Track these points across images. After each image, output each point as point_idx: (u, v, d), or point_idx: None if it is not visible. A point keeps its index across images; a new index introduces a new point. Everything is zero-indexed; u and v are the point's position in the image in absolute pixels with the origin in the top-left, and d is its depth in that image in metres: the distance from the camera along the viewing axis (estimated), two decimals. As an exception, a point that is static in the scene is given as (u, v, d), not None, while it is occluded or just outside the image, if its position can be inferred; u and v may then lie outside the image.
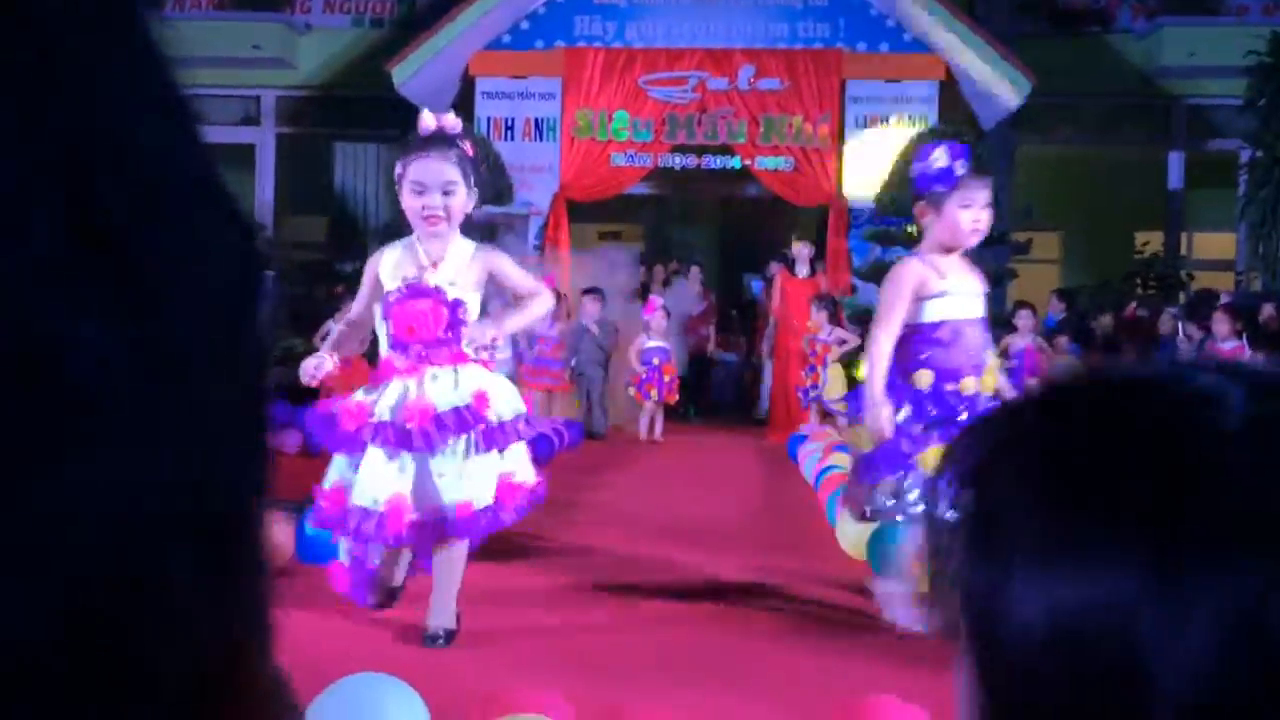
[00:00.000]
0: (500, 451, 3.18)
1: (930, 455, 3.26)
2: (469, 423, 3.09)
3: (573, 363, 9.40)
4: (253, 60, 12.86)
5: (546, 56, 11.67)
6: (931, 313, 3.46)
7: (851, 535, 4.65)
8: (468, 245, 3.32)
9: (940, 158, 3.51)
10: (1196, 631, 0.41)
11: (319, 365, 3.12)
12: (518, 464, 3.26)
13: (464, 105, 11.91)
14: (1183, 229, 13.32)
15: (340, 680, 2.16)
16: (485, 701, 2.07)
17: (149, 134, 0.31)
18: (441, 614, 3.18)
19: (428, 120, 3.28)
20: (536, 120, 11.72)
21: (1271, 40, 10.87)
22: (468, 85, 11.86)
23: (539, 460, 6.98)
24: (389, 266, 3.26)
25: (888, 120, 11.40)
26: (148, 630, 0.26)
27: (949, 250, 3.53)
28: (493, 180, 10.82)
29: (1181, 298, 11.11)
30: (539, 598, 3.61)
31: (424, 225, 3.19)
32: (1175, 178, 13.11)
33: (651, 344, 9.24)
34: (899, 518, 3.42)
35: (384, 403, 3.13)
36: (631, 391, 9.30)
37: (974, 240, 3.54)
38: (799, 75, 11.35)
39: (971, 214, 3.46)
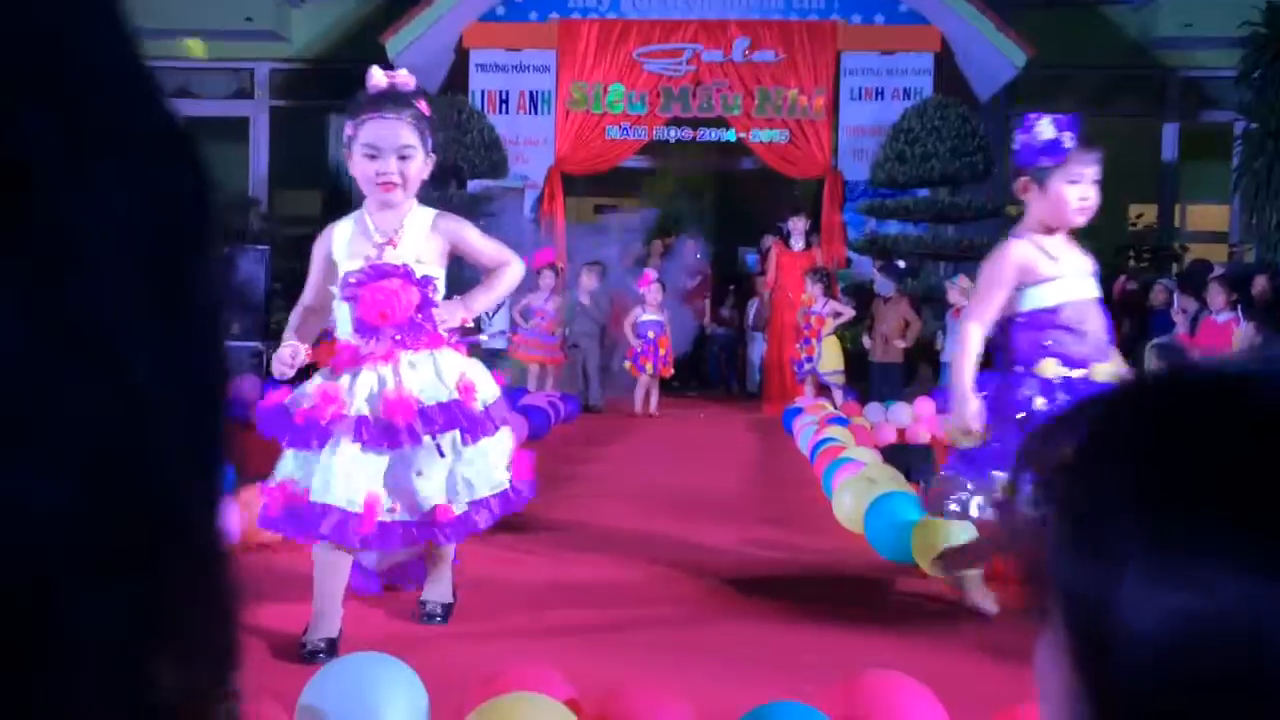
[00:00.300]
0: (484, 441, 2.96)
1: None
2: (457, 418, 2.88)
3: (566, 333, 9.41)
4: (246, 33, 12.77)
5: (541, 29, 11.61)
6: (1045, 297, 3.21)
7: (848, 508, 4.68)
8: (425, 214, 3.04)
9: (1046, 129, 3.24)
10: None
11: (294, 354, 2.88)
12: (500, 463, 3.03)
13: (458, 78, 11.86)
14: (1176, 201, 13.32)
15: (337, 660, 2.18)
16: (483, 680, 2.09)
17: (89, 61, 0.27)
18: (437, 589, 3.12)
19: (377, 77, 3.01)
20: (531, 93, 11.67)
21: (1267, 11, 10.83)
22: (462, 58, 11.80)
23: (535, 434, 7.02)
24: (342, 244, 3.00)
25: (883, 93, 11.36)
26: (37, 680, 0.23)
27: (1051, 230, 3.27)
28: (487, 154, 10.79)
29: (1175, 270, 11.12)
30: (535, 573, 3.64)
31: (377, 192, 2.93)
32: (1170, 149, 13.10)
33: (647, 317, 9.24)
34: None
35: (359, 393, 2.86)
36: (627, 365, 9.32)
37: (1081, 220, 3.26)
38: (794, 47, 11.31)
39: (1079, 190, 3.20)
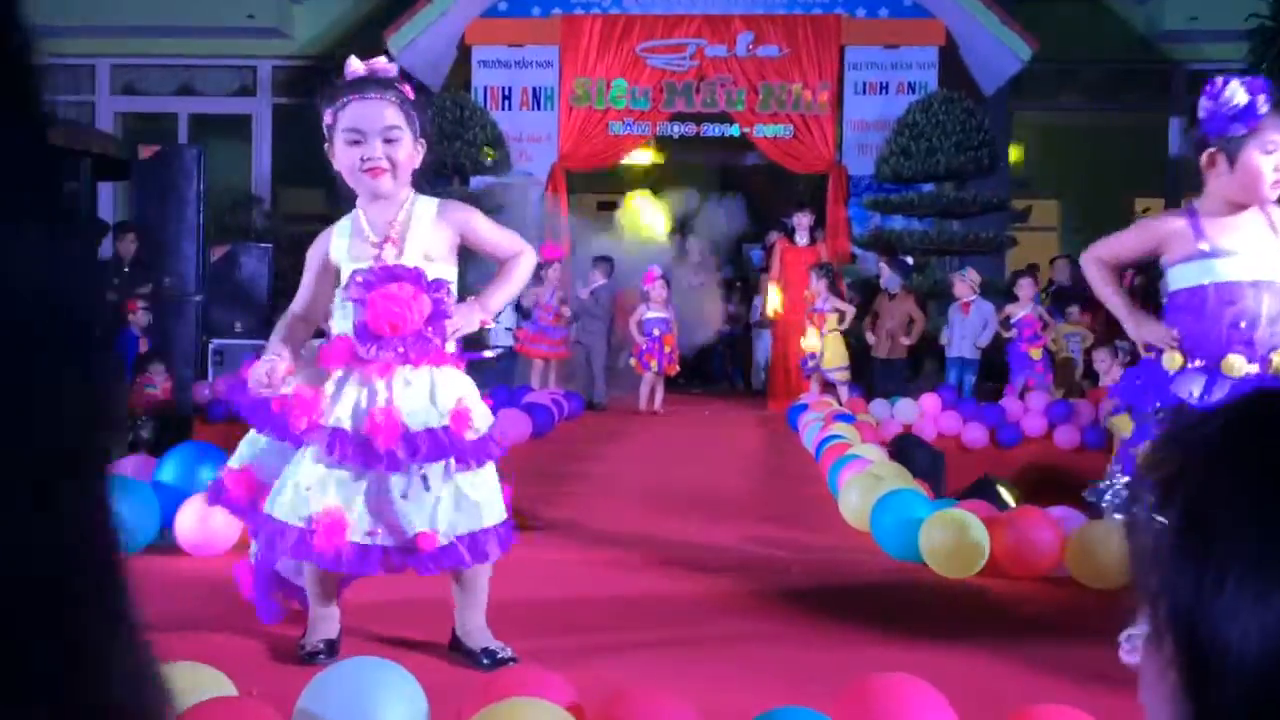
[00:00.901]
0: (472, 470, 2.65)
1: None
2: (445, 448, 2.58)
3: (574, 329, 9.38)
4: (248, 30, 12.75)
5: (544, 24, 11.57)
6: (1181, 278, 2.94)
7: (854, 505, 4.64)
8: (428, 204, 2.74)
9: (1238, 93, 2.89)
10: None
11: (271, 371, 2.59)
12: (494, 498, 2.71)
13: (460, 75, 11.83)
14: (1183, 195, 13.25)
15: (335, 664, 2.15)
16: (483, 685, 2.06)
17: None
18: (474, 620, 2.75)
19: (355, 65, 2.74)
20: (534, 89, 11.64)
21: (1273, 3, 10.75)
22: (464, 54, 11.77)
23: (539, 432, 7.00)
24: (342, 247, 2.74)
25: (887, 87, 11.31)
26: None
27: (1240, 208, 2.97)
28: (490, 149, 10.76)
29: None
30: (537, 572, 3.60)
31: (365, 181, 2.66)
32: (1176, 143, 13.04)
33: (652, 314, 9.21)
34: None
35: (343, 406, 2.60)
36: (632, 362, 9.29)
37: (1276, 194, 2.94)
38: (798, 42, 11.26)
39: (1274, 160, 2.88)
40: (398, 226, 2.70)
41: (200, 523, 3.73)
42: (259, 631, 2.84)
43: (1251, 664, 0.42)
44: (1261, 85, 2.92)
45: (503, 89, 11.66)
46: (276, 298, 10.15)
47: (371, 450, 2.55)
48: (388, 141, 2.65)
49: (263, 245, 10.33)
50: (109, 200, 12.60)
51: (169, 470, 4.14)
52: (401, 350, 2.59)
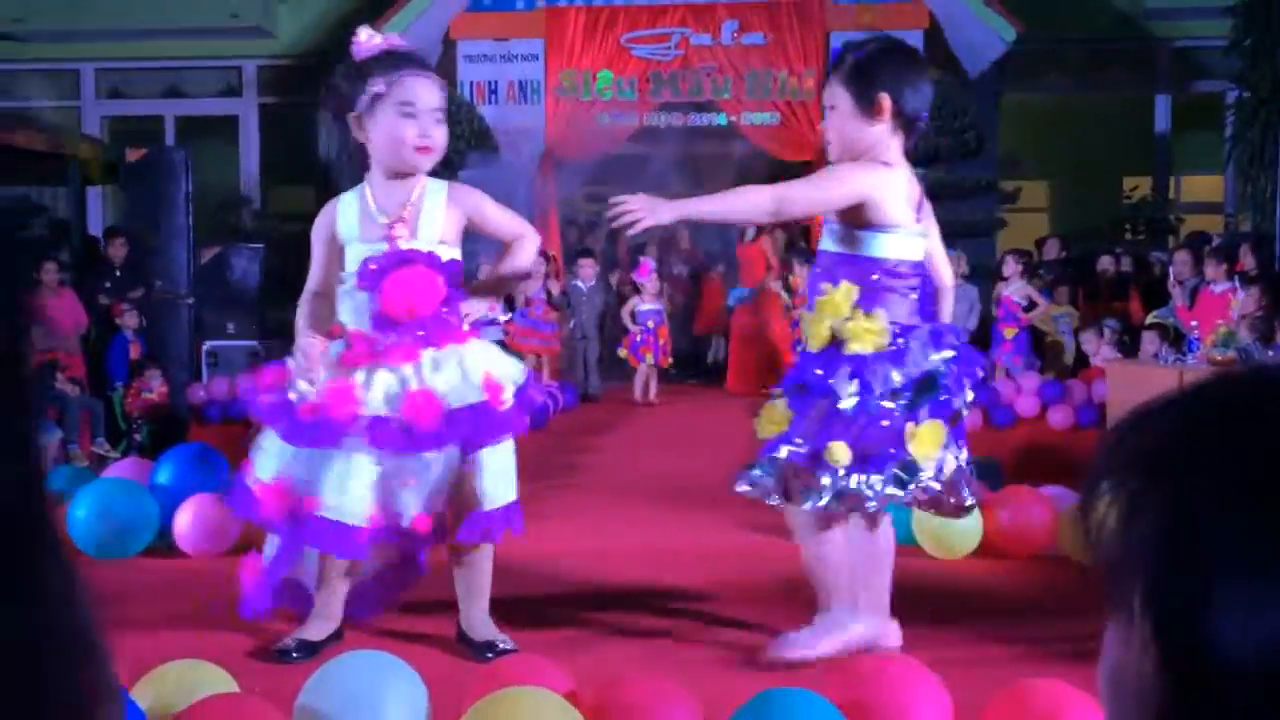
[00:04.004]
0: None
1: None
2: (482, 424, 2.59)
3: (571, 324, 9.39)
4: (232, 30, 12.70)
5: (528, 17, 11.55)
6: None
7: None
8: (439, 187, 2.70)
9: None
10: None
11: (308, 354, 2.57)
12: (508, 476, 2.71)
13: (446, 69, 11.81)
14: (1171, 172, 13.28)
15: (335, 658, 2.17)
16: (482, 675, 2.08)
17: None
18: (478, 611, 2.76)
19: (376, 38, 2.67)
20: (520, 83, 11.62)
21: (1257, -21, 10.77)
22: (449, 49, 11.74)
23: (534, 424, 7.01)
24: (350, 223, 2.67)
25: (873, 72, 11.32)
26: None
27: None
28: (477, 143, 10.75)
29: (1171, 242, 11.10)
30: (534, 565, 3.62)
31: (410, 156, 2.61)
32: (1162, 121, 13.04)
33: (645, 306, 9.23)
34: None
35: (376, 393, 2.57)
36: (622, 354, 9.31)
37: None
38: (782, 29, 11.25)
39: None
40: (410, 209, 2.65)
41: (198, 523, 3.75)
42: (259, 629, 2.86)
43: (1243, 673, 0.40)
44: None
45: (489, 83, 11.65)
46: (268, 297, 10.14)
47: (414, 435, 2.53)
48: (436, 122, 2.63)
49: (253, 245, 10.31)
50: (98, 204, 12.57)
51: (166, 472, 4.15)
52: (421, 334, 2.56)
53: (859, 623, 2.67)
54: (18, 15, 12.13)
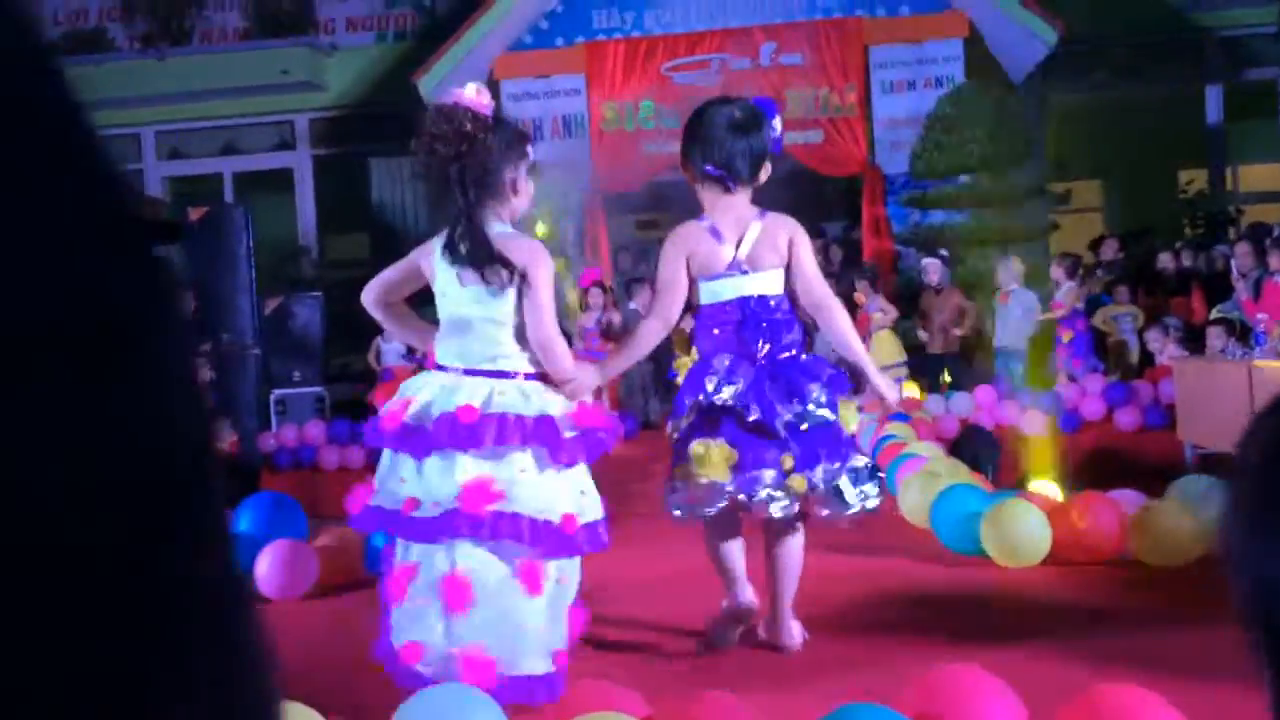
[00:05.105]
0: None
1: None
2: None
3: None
4: (283, 85, 13.04)
5: (569, 53, 11.71)
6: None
7: (913, 503, 4.66)
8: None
9: (778, 123, 3.16)
10: None
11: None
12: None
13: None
14: (1227, 163, 13.07)
15: (421, 692, 2.23)
16: (560, 703, 2.13)
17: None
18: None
19: (486, 96, 2.88)
20: (564, 117, 11.77)
21: (1303, -37, 10.63)
22: (493, 88, 11.92)
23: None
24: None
25: (915, 83, 11.31)
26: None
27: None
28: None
29: (1232, 234, 10.91)
30: (607, 595, 3.67)
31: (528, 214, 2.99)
32: (1214, 112, 12.86)
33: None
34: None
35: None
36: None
37: None
38: (821, 47, 11.29)
39: None
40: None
41: (277, 568, 3.86)
42: (340, 668, 2.94)
43: None
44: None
45: (534, 120, 11.81)
46: (331, 344, 10.36)
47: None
48: None
49: (313, 294, 10.55)
50: (163, 263, 12.91)
51: (244, 521, 4.28)
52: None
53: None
54: (80, 84, 12.55)
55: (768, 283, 3.02)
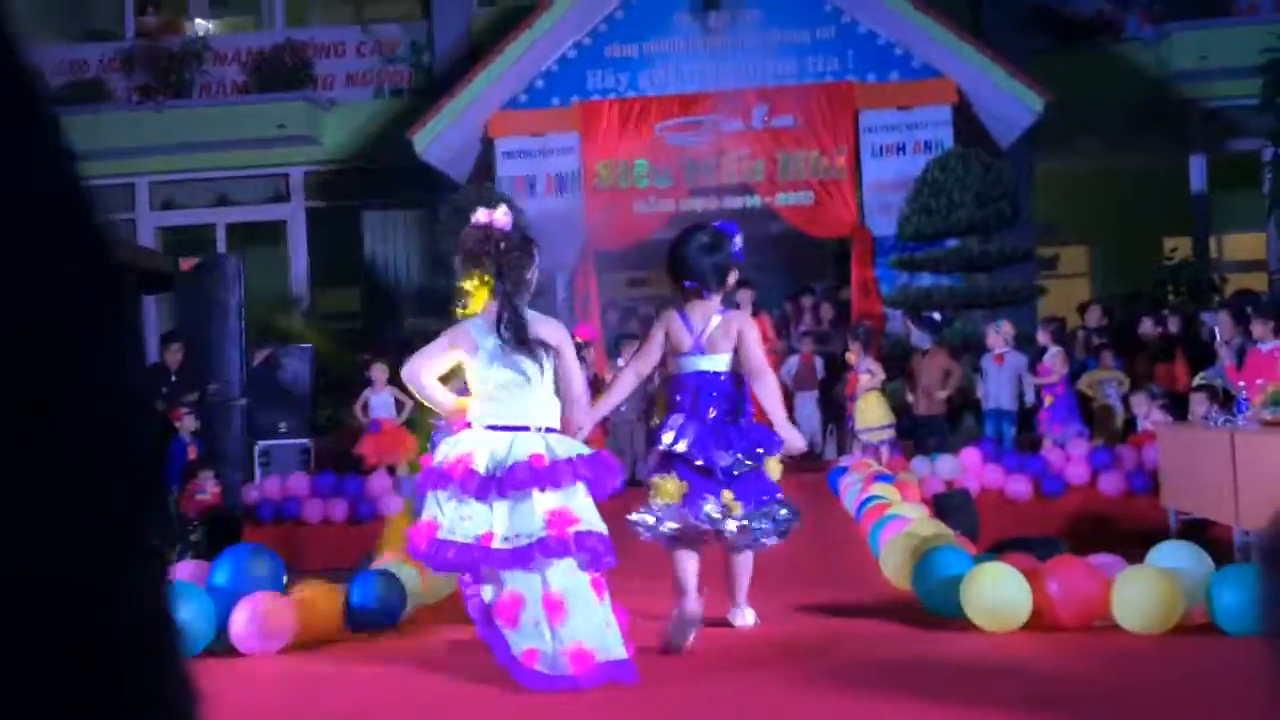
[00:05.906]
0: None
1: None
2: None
3: (623, 409, 9.44)
4: (279, 139, 13.16)
5: (563, 113, 11.85)
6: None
7: (895, 565, 4.66)
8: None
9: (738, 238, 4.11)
10: None
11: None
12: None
13: (485, 166, 12.12)
14: (1211, 232, 13.23)
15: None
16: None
17: None
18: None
19: (508, 216, 3.67)
20: (558, 175, 11.89)
21: (1285, 37, 10.82)
22: (488, 146, 12.06)
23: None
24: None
25: (904, 148, 11.46)
26: None
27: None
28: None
29: (1216, 301, 11.02)
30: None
31: None
32: (1198, 181, 13.04)
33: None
34: None
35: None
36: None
37: None
38: (812, 111, 11.45)
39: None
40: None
41: (255, 622, 3.83)
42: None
43: None
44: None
45: (527, 178, 11.92)
46: (319, 396, 10.34)
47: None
48: None
49: (303, 346, 10.55)
50: (153, 312, 12.95)
51: (223, 573, 4.25)
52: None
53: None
54: (77, 133, 12.65)
55: (719, 363, 3.95)
